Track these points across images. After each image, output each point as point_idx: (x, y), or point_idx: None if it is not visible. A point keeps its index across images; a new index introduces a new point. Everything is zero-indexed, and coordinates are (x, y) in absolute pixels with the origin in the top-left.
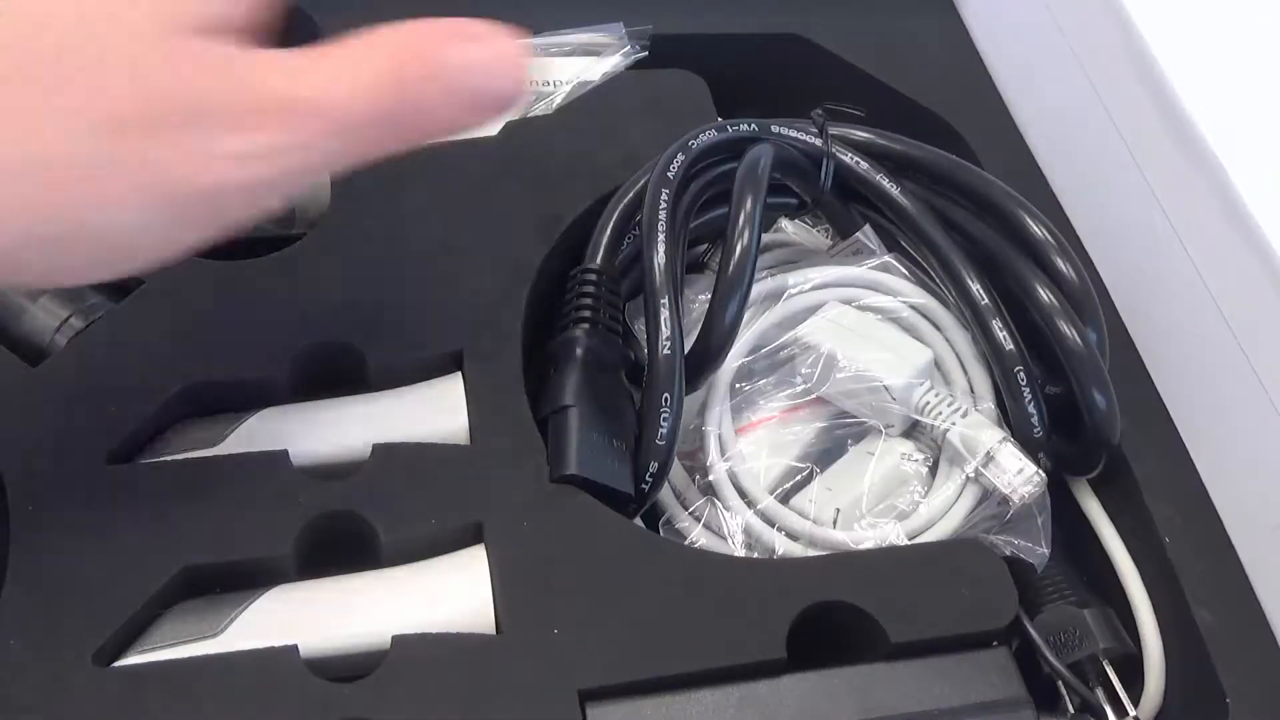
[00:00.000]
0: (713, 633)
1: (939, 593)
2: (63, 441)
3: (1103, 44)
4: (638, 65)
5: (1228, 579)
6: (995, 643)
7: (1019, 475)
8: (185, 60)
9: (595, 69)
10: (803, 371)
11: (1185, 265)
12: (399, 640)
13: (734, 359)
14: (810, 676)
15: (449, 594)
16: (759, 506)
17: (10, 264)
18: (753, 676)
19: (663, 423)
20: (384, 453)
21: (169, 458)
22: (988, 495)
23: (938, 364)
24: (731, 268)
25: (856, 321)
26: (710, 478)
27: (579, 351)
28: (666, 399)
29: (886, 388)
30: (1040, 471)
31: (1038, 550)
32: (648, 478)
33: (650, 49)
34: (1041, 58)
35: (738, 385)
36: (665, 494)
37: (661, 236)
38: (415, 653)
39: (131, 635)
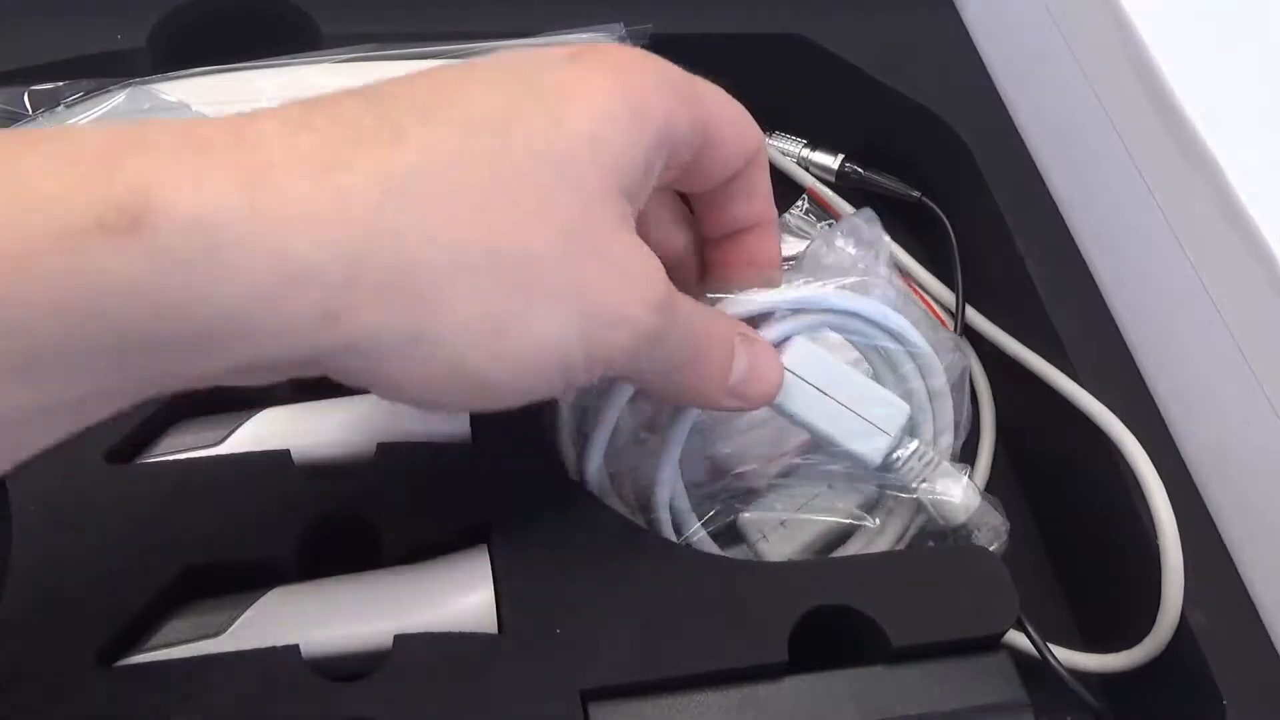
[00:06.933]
0: (715, 634)
1: (940, 597)
2: (63, 441)
3: (1102, 44)
4: None
5: (1223, 580)
6: (996, 646)
7: (995, 533)
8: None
9: None
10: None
11: (1182, 265)
12: (401, 640)
13: None
14: (812, 679)
15: (451, 593)
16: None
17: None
18: (754, 678)
19: None
20: (388, 452)
21: (169, 457)
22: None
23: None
24: None
25: (831, 371)
26: (654, 514)
27: None
28: None
29: (855, 456)
30: (1006, 522)
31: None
32: None
33: (650, 49)
34: (1041, 58)
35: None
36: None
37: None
38: (417, 652)
39: (134, 635)
